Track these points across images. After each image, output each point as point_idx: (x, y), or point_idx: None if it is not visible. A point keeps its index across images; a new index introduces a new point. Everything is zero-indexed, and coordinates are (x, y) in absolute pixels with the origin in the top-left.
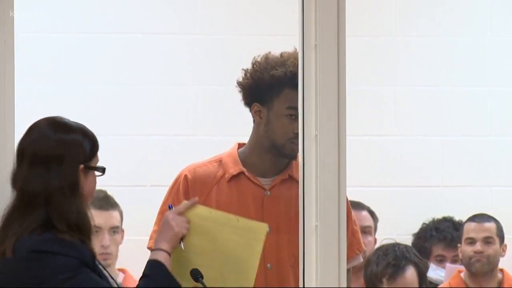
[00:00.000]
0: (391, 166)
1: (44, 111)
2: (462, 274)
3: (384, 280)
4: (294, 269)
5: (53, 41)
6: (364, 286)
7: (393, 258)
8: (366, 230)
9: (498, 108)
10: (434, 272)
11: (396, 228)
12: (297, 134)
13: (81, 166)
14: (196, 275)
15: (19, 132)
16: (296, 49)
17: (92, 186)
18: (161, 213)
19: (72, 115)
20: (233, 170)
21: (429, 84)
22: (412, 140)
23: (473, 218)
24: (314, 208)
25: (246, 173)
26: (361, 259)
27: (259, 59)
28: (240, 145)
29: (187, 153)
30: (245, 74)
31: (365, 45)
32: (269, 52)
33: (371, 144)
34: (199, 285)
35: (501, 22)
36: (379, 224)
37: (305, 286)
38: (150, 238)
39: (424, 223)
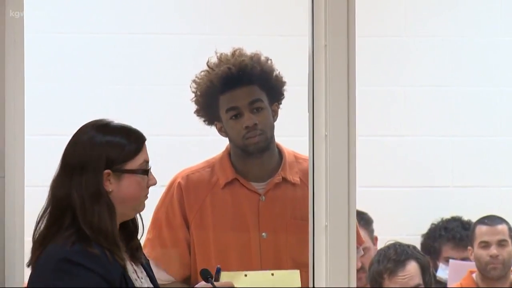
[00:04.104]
0: (400, 166)
1: (52, 111)
2: (474, 275)
3: (386, 276)
4: None
5: (62, 41)
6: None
7: (393, 254)
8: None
9: (507, 108)
10: (444, 273)
11: (405, 228)
12: (248, 126)
13: (106, 171)
14: (206, 275)
15: (28, 132)
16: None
17: (131, 189)
18: (156, 220)
19: (81, 115)
20: (226, 177)
21: (438, 84)
22: (421, 140)
23: (483, 221)
24: (324, 208)
25: (240, 180)
26: (362, 252)
27: (193, 84)
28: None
29: (200, 153)
30: (194, 103)
31: (374, 45)
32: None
33: (380, 144)
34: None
35: (510, 22)
36: (388, 225)
37: (315, 286)
38: (144, 247)
39: (432, 223)
